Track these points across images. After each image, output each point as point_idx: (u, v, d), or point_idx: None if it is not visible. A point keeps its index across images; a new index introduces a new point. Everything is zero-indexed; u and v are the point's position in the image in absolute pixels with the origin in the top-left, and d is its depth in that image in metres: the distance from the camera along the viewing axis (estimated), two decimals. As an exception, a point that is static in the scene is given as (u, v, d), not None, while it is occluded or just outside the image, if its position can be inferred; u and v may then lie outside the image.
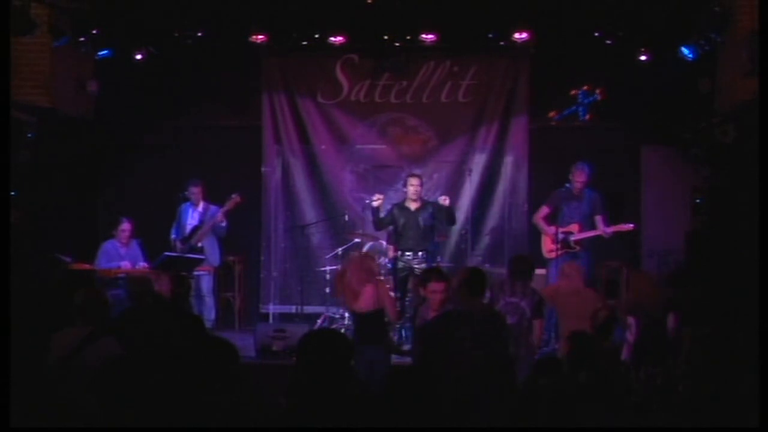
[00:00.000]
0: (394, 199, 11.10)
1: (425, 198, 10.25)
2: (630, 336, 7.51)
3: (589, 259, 9.81)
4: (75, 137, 10.58)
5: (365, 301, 7.44)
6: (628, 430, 4.24)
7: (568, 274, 8.31)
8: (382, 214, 10.10)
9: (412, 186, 10.03)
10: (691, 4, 9.61)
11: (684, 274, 8.97)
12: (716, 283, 8.57)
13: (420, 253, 9.86)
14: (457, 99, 11.34)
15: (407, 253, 9.83)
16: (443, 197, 10.09)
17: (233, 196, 10.17)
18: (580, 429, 4.11)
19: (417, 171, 10.71)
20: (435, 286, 7.21)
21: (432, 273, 7.69)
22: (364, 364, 6.86)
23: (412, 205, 10.01)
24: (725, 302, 7.76)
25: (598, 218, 9.97)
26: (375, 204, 10.05)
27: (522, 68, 11.17)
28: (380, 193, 10.71)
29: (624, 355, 7.41)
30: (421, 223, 9.93)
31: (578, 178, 9.93)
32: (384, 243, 10.62)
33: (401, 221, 9.94)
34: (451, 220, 10.25)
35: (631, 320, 7.56)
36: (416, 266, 9.73)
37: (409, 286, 9.61)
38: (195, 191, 10.44)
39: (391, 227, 10.05)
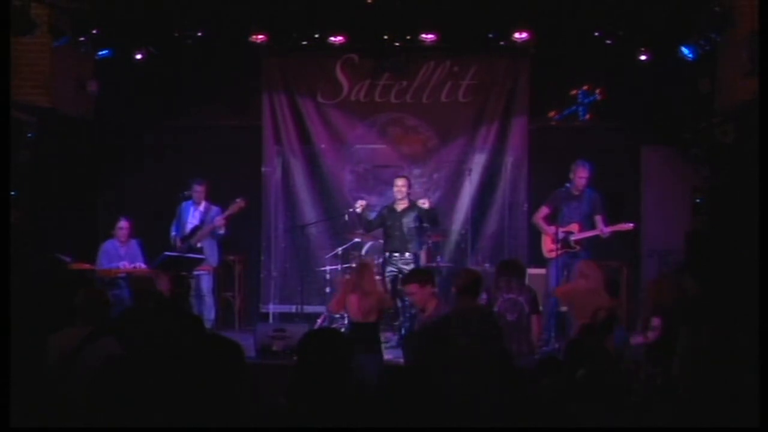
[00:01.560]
0: (392, 200, 11.14)
1: (413, 199, 10.24)
2: (652, 335, 7.46)
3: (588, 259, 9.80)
4: (75, 137, 10.58)
5: (370, 309, 7.46)
6: (628, 430, 4.24)
7: (587, 273, 8.27)
8: (371, 217, 10.14)
9: (396, 187, 10.09)
10: (691, 4, 9.61)
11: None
12: (716, 283, 8.57)
13: (406, 254, 9.87)
14: (457, 99, 11.34)
15: (395, 254, 9.85)
16: (422, 200, 10.10)
17: (237, 200, 10.17)
18: (580, 429, 4.11)
19: (405, 172, 10.71)
20: (408, 289, 7.36)
21: (406, 276, 7.76)
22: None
23: (399, 206, 10.06)
24: (725, 302, 7.75)
25: (598, 218, 9.97)
26: (358, 210, 10.09)
27: (522, 68, 11.17)
28: (380, 193, 10.74)
29: (625, 353, 7.41)
30: (406, 224, 9.94)
31: (581, 174, 9.92)
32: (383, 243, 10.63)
33: (388, 222, 9.99)
34: (434, 222, 10.22)
35: (656, 321, 7.50)
36: (404, 267, 9.74)
37: (399, 286, 9.63)
38: (199, 189, 10.45)
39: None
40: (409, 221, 9.97)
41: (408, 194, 10.13)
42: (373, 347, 7.66)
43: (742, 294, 7.42)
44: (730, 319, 6.79)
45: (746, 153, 8.28)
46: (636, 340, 7.44)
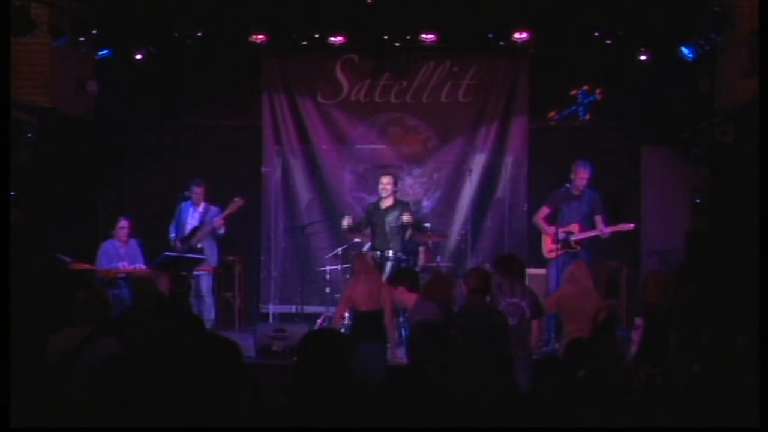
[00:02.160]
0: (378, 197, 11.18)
1: (401, 198, 10.21)
2: (636, 336, 7.49)
3: (589, 259, 9.79)
4: (75, 137, 10.58)
5: (370, 299, 7.51)
6: (628, 430, 4.24)
7: (578, 276, 8.23)
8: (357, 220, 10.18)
9: (381, 185, 10.07)
10: (691, 4, 9.61)
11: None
12: (716, 283, 8.57)
13: (389, 253, 9.84)
14: (457, 99, 11.34)
15: (377, 253, 9.82)
16: (407, 216, 9.97)
17: (236, 199, 10.18)
18: (580, 429, 4.11)
19: (390, 171, 10.61)
20: None
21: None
22: (361, 361, 6.88)
23: (383, 204, 10.03)
24: (725, 302, 7.76)
25: (598, 218, 9.96)
26: (345, 225, 10.08)
27: (522, 68, 11.17)
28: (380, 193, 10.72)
29: (631, 353, 7.43)
30: (388, 223, 9.90)
31: (582, 174, 9.90)
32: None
33: (373, 219, 10.00)
34: (420, 229, 10.20)
35: (638, 321, 7.54)
36: (386, 265, 9.72)
37: None
38: (198, 191, 10.45)
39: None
40: (391, 220, 9.92)
41: (394, 192, 10.08)
42: (378, 337, 7.68)
43: (742, 294, 7.43)
44: (729, 319, 6.79)
45: (746, 153, 8.28)
46: (632, 350, 7.45)
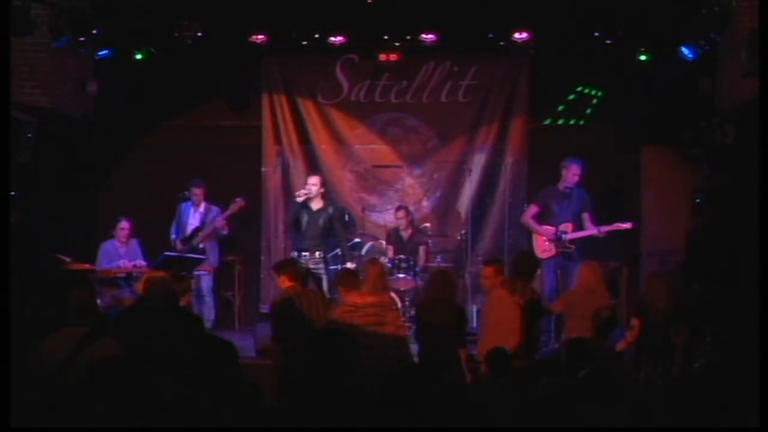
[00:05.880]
0: (394, 199, 11.14)
1: (328, 200, 10.14)
2: (630, 336, 7.50)
3: (582, 259, 9.76)
4: (75, 137, 10.58)
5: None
6: (628, 430, 4.24)
7: (588, 276, 8.23)
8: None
9: (308, 185, 9.91)
10: (691, 4, 9.61)
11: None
12: (716, 283, 8.57)
13: (317, 254, 9.78)
14: (457, 99, 11.34)
15: (304, 254, 9.74)
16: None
17: (237, 200, 10.18)
18: (581, 429, 4.11)
19: (318, 171, 10.63)
20: None
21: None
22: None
23: (314, 205, 9.87)
24: (725, 302, 7.76)
25: (585, 216, 9.91)
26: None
27: (522, 68, 11.16)
28: (380, 193, 10.68)
29: (625, 353, 7.43)
30: (321, 223, 9.80)
31: (575, 171, 9.83)
32: (384, 243, 10.63)
33: (305, 219, 9.84)
34: (344, 225, 10.24)
35: (635, 322, 7.55)
36: (313, 267, 9.68)
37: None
38: (197, 192, 10.45)
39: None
40: (324, 220, 9.81)
41: (322, 193, 9.94)
42: None
43: (742, 294, 7.43)
44: (730, 319, 6.80)
45: (746, 153, 8.28)
46: (620, 346, 7.45)
